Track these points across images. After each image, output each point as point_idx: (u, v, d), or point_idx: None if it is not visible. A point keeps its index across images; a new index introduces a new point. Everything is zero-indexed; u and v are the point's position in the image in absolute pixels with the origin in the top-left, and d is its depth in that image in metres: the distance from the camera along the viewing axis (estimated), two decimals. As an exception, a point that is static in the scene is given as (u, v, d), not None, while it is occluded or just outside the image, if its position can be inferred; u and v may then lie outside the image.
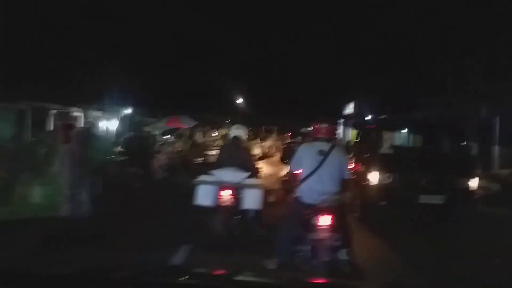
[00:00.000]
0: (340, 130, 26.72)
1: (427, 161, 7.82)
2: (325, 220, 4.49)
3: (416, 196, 7.57)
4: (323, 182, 4.71)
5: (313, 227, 4.53)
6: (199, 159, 15.88)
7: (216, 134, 17.63)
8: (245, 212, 6.33)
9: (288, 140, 18.36)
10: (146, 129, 22.22)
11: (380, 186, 7.82)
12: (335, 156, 4.81)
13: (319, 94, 28.06)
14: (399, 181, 7.78)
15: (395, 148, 8.51)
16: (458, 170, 7.77)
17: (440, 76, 21.12)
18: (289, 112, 27.74)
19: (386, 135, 8.60)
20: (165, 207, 8.41)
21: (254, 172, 6.71)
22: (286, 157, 8.89)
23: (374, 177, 7.89)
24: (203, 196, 6.22)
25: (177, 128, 19.61)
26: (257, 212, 6.38)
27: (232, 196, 6.17)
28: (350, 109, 25.81)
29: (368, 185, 8.02)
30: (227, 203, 6.16)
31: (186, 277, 1.67)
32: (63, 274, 1.84)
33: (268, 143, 20.24)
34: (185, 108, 22.10)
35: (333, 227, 4.49)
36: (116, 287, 1.64)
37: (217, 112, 24.41)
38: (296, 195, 4.94)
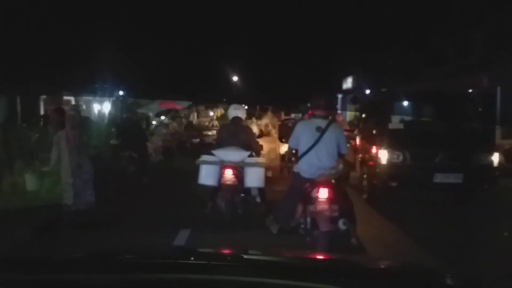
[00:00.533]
0: (338, 106, 25.80)
1: (441, 136, 6.96)
2: (323, 193, 4.58)
3: (430, 176, 6.74)
4: (321, 157, 4.83)
5: (313, 200, 4.65)
6: (195, 140, 15.09)
7: (212, 114, 16.78)
8: (248, 190, 6.32)
9: (283, 118, 17.65)
10: (140, 111, 21.52)
11: (390, 166, 7.01)
12: (332, 132, 4.90)
13: (315, 70, 27.00)
14: (411, 160, 6.97)
15: (406, 122, 7.59)
16: (476, 145, 6.90)
17: (439, 46, 20.23)
18: (285, 90, 26.73)
19: (395, 109, 7.72)
20: (162, 191, 8.20)
21: (257, 151, 6.67)
22: (283, 134, 8.87)
23: (383, 155, 7.06)
24: (206, 175, 6.20)
25: (171, 109, 18.70)
26: (259, 189, 6.36)
27: (234, 175, 6.09)
28: (348, 84, 24.82)
29: (376, 164, 7.20)
30: (230, 182, 6.08)
31: (192, 258, 1.61)
32: (68, 258, 1.81)
33: (264, 121, 19.60)
34: (178, 88, 21.15)
35: (331, 199, 4.58)
36: (120, 270, 1.56)
37: (211, 92, 23.43)
38: (295, 170, 5.12)
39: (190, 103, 17.79)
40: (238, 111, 6.74)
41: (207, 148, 6.81)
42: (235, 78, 29.78)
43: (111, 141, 10.82)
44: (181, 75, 23.69)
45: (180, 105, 18.97)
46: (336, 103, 27.02)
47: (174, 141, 13.06)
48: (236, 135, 6.41)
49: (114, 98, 20.75)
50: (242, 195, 6.27)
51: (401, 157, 6.97)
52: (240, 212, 6.14)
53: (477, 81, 14.60)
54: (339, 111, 25.91)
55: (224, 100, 28.45)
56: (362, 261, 2.11)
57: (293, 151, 5.33)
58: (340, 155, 5.04)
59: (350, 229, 4.71)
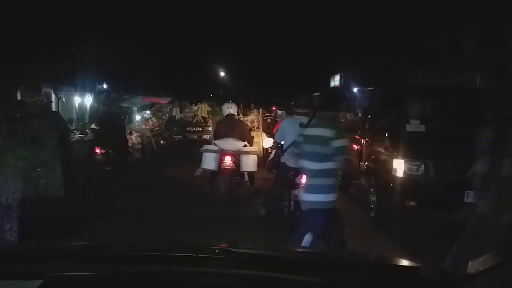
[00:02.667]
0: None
1: (474, 142, 5.19)
2: (305, 179, 4.55)
3: (460, 194, 4.97)
4: None
5: (296, 185, 5.08)
6: (177, 136, 13.17)
7: (196, 109, 14.91)
8: (242, 174, 7.00)
9: (268, 114, 17.62)
10: (124, 105, 19.47)
11: (408, 179, 5.24)
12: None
13: (302, 68, 25.19)
14: (435, 172, 5.21)
15: (428, 124, 5.60)
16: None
17: (430, 45, 18.66)
18: (271, 87, 24.93)
19: (413, 106, 5.92)
20: (139, 195, 7.30)
21: (249, 141, 7.29)
22: (265, 129, 10.11)
23: (398, 166, 5.28)
24: (208, 161, 6.83)
25: (155, 103, 16.66)
26: (250, 174, 7.07)
27: (232, 161, 6.68)
28: (335, 81, 23.05)
29: (389, 177, 5.42)
30: (229, 167, 6.68)
31: (180, 251, 1.52)
32: (53, 250, 1.67)
33: (250, 117, 19.94)
34: (163, 83, 19.15)
35: None
36: (108, 263, 1.44)
37: (197, 88, 21.49)
38: (281, 161, 5.48)
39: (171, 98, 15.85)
40: (231, 109, 7.43)
41: (191, 146, 7.51)
42: (222, 74, 27.89)
43: (89, 137, 9.95)
44: (166, 70, 21.71)
45: (165, 99, 16.97)
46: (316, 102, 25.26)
47: (154, 138, 11.12)
48: (232, 128, 7.00)
49: (96, 92, 18.84)
50: (238, 177, 6.97)
51: (422, 169, 5.21)
52: (236, 193, 6.87)
53: (471, 81, 12.99)
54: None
55: (211, 95, 26.62)
56: (347, 255, 1.94)
57: (279, 145, 5.64)
58: None
59: None
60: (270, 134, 8.11)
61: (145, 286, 1.34)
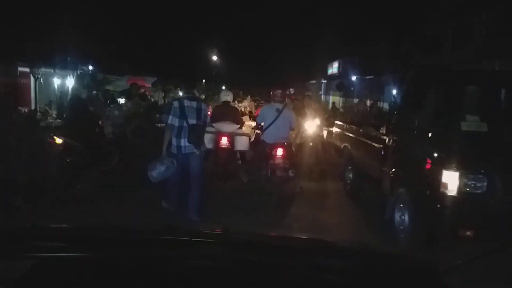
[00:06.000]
0: (321, 92, 22.27)
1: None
2: (279, 152, 6.01)
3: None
4: (279, 129, 6.13)
5: (272, 157, 6.02)
6: (160, 124, 11.23)
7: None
8: (235, 153, 7.57)
9: (262, 102, 17.81)
10: (108, 87, 17.58)
11: (464, 199, 3.53)
12: (286, 113, 6.25)
13: (300, 54, 23.28)
14: (503, 190, 3.50)
15: (491, 121, 3.78)
16: None
17: (435, 32, 16.91)
18: (266, 74, 23.12)
19: (470, 98, 4.15)
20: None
21: (242, 124, 7.99)
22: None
23: (450, 180, 3.54)
24: (206, 141, 6.31)
25: (140, 87, 14.69)
26: (241, 153, 7.66)
27: (228, 141, 7.32)
28: (333, 69, 21.23)
29: (433, 193, 3.71)
30: (225, 146, 7.32)
31: (174, 234, 1.44)
32: (48, 230, 1.57)
33: (243, 104, 21.42)
34: (150, 67, 17.27)
35: (284, 156, 6.01)
36: (101, 245, 1.38)
37: (187, 71, 19.59)
38: (261, 138, 6.40)
39: (155, 79, 13.90)
40: (227, 96, 8.13)
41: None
42: (214, 58, 25.96)
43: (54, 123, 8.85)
44: (153, 51, 19.72)
45: (150, 82, 15.05)
46: (319, 89, 23.50)
47: (130, 127, 9.24)
48: (228, 113, 7.58)
49: (77, 72, 16.92)
50: (232, 155, 7.51)
51: (485, 186, 3.49)
52: (230, 169, 7.39)
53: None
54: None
55: (204, 80, 24.72)
56: (339, 242, 1.64)
57: (260, 126, 6.45)
58: (291, 129, 6.50)
59: (296, 177, 6.18)
60: (253, 118, 8.54)
61: (139, 269, 1.27)
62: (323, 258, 1.35)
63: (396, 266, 1.34)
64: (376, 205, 5.17)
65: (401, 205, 4.39)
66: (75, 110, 7.85)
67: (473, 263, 1.32)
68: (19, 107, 13.24)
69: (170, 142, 4.90)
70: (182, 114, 4.81)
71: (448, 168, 3.57)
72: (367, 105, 8.86)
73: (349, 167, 6.50)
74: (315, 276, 1.26)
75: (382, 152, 4.95)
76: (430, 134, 3.95)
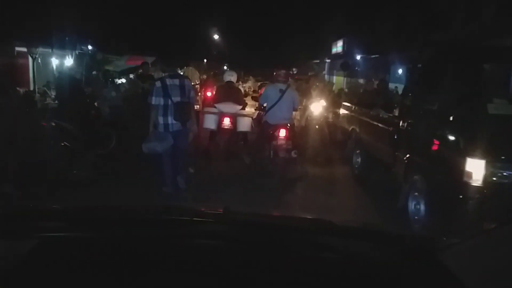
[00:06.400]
0: (325, 72, 21.70)
1: None
2: (282, 133, 5.90)
3: None
4: (282, 110, 6.03)
5: (275, 138, 5.92)
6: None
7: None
8: (237, 134, 7.35)
9: (265, 82, 17.16)
10: (108, 67, 17.17)
11: (490, 189, 3.18)
12: (289, 93, 6.13)
13: (303, 33, 22.60)
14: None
15: None
16: None
17: (443, 7, 16.21)
18: (269, 54, 22.51)
19: (492, 79, 3.73)
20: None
21: (244, 106, 7.67)
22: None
23: (475, 168, 3.19)
24: (209, 122, 7.15)
25: (138, 67, 14.22)
26: (245, 133, 7.50)
27: (231, 122, 7.12)
28: (337, 48, 20.60)
29: (455, 182, 3.35)
30: (227, 127, 7.15)
31: (174, 215, 1.46)
32: (49, 210, 1.58)
33: (247, 84, 21.15)
34: (150, 45, 16.78)
35: (287, 137, 5.91)
36: (101, 226, 1.37)
37: (186, 49, 18.99)
38: (264, 119, 6.28)
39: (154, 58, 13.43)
40: (231, 77, 7.83)
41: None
42: (216, 37, 25.28)
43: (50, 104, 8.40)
44: (154, 29, 19.11)
45: (150, 62, 14.52)
46: (323, 69, 22.90)
47: (128, 109, 8.90)
48: (231, 94, 7.42)
49: (76, 52, 16.43)
50: (235, 136, 7.40)
51: (513, 174, 3.14)
52: (232, 150, 7.33)
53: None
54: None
55: (205, 60, 24.11)
56: (340, 222, 1.59)
57: (263, 106, 6.43)
58: (295, 109, 6.45)
59: (298, 157, 6.05)
60: (255, 98, 8.36)
61: (140, 248, 1.27)
62: (322, 237, 1.34)
63: (393, 244, 1.33)
64: (387, 191, 4.83)
65: (416, 193, 4.05)
66: (69, 91, 7.48)
67: (470, 242, 1.31)
68: (17, 88, 12.89)
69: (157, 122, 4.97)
70: (166, 92, 4.84)
71: (472, 155, 3.21)
72: (374, 86, 8.40)
73: (357, 151, 6.13)
74: (314, 255, 1.25)
75: (395, 136, 4.56)
76: (451, 118, 3.56)
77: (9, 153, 5.36)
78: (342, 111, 7.26)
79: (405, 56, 14.41)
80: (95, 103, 8.02)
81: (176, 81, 4.94)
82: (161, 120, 4.91)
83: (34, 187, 4.98)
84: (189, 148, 5.76)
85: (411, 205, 4.15)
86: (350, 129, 6.53)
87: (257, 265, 1.20)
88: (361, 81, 17.20)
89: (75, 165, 6.18)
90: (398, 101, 5.57)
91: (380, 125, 5.09)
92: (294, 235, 1.33)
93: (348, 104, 7.02)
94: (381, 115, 5.21)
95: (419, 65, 4.47)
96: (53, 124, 6.34)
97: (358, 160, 6.09)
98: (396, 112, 5.16)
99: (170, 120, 4.91)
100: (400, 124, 4.46)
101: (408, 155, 4.20)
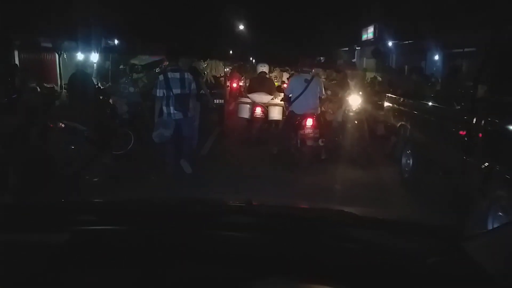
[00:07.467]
0: (354, 60, 20.41)
1: None
2: (309, 122, 6.00)
3: None
4: (308, 100, 6.14)
5: (302, 127, 6.02)
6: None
7: (205, 66, 11.86)
8: (270, 122, 7.93)
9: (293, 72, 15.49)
10: (133, 61, 16.62)
11: None
12: (315, 83, 6.24)
13: (332, 19, 21.28)
14: None
15: None
16: None
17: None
18: (295, 43, 21.37)
19: None
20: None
21: (275, 95, 7.97)
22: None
23: None
24: (243, 111, 7.87)
25: (162, 59, 13.55)
26: (276, 121, 7.85)
27: (262, 112, 7.73)
28: (368, 34, 19.24)
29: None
30: (259, 116, 7.75)
31: (194, 207, 1.48)
32: (62, 203, 1.67)
33: (273, 74, 19.25)
34: (176, 38, 16.10)
35: (314, 126, 6.01)
36: (120, 219, 1.39)
37: (209, 42, 18.12)
38: (290, 109, 6.40)
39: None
40: (264, 67, 8.48)
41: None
42: (241, 27, 24.29)
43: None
44: (180, 23, 18.36)
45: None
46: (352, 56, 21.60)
47: (147, 105, 8.13)
48: (263, 84, 8.02)
49: (101, 47, 15.97)
50: (267, 125, 8.01)
51: None
52: (264, 137, 7.68)
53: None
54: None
55: (231, 53, 23.21)
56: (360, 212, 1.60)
57: (288, 97, 6.44)
58: (320, 99, 6.42)
59: (325, 146, 6.21)
60: (279, 89, 8.52)
61: (166, 241, 1.27)
62: (344, 228, 1.32)
63: (416, 234, 1.30)
64: (450, 204, 3.82)
65: (501, 213, 3.04)
66: (80, 88, 6.76)
67: (496, 233, 1.28)
68: (44, 84, 12.46)
69: (161, 112, 5.39)
70: (167, 85, 5.27)
71: None
72: (420, 74, 7.27)
73: (408, 151, 5.11)
74: (337, 246, 1.22)
75: (466, 138, 3.54)
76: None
77: (12, 160, 4.69)
78: (387, 104, 6.20)
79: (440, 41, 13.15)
80: (110, 100, 7.29)
81: (177, 75, 5.33)
82: (164, 109, 5.35)
83: (36, 197, 4.27)
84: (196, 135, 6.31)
85: (489, 221, 3.16)
86: (399, 125, 5.49)
87: (278, 256, 1.15)
88: (393, 68, 15.97)
89: (87, 170, 5.46)
90: (459, 93, 4.50)
91: (442, 122, 4.06)
92: (318, 226, 1.32)
93: (394, 96, 5.96)
94: (443, 110, 4.15)
95: (494, 54, 3.39)
96: (62, 125, 5.64)
97: (408, 162, 5.08)
98: (458, 106, 4.12)
99: (172, 109, 5.33)
100: (474, 122, 3.42)
101: (487, 163, 3.18)
